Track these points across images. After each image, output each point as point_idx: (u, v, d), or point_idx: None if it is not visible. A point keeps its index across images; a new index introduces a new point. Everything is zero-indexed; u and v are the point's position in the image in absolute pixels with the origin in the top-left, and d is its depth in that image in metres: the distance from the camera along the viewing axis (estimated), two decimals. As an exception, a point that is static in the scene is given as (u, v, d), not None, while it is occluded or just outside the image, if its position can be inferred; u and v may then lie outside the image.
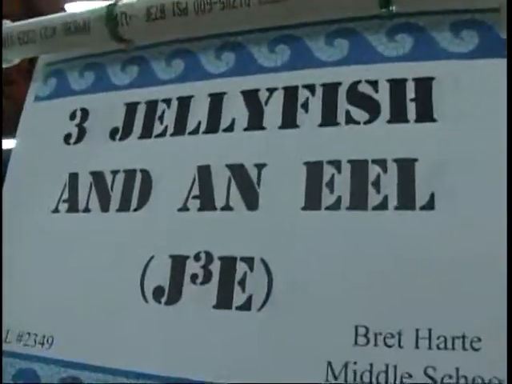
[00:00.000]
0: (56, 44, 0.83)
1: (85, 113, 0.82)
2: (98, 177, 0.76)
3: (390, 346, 0.54)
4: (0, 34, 0.84)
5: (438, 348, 0.54)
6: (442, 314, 0.55)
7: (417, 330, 0.54)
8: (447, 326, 0.54)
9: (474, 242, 0.57)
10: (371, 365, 0.54)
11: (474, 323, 0.54)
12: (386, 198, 0.60)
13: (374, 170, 0.62)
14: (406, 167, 0.62)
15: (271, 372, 0.57)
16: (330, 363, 0.55)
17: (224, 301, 0.62)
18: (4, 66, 0.88)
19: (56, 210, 0.77)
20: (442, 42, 0.67)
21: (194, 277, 0.65)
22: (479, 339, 0.53)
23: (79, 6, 3.12)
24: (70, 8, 3.20)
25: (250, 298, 0.61)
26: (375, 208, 0.60)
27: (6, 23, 0.87)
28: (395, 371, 0.54)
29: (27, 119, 0.87)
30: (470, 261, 0.56)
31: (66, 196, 0.77)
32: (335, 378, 0.54)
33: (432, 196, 0.59)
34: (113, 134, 0.79)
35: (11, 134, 0.90)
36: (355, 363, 0.55)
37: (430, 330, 0.54)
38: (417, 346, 0.54)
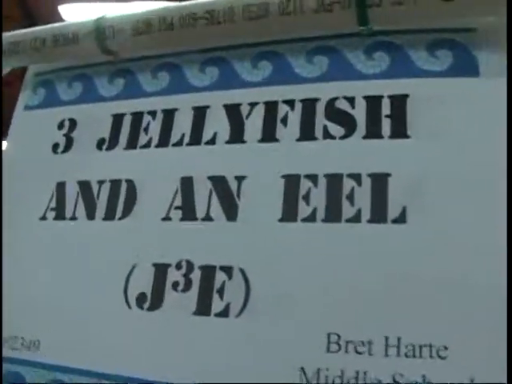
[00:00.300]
0: (45, 55, 0.86)
1: (73, 123, 0.85)
2: (84, 186, 0.79)
3: (360, 353, 0.57)
4: (0, 37, 0.86)
5: (406, 356, 0.57)
6: (410, 323, 0.57)
7: (386, 338, 0.57)
8: (415, 335, 0.57)
9: (444, 255, 0.59)
10: (342, 371, 0.57)
11: (441, 332, 0.56)
12: (359, 210, 0.63)
13: (348, 184, 0.65)
14: (380, 182, 0.64)
15: (247, 375, 0.59)
16: (302, 369, 0.58)
17: (203, 308, 0.65)
18: None
19: (44, 218, 0.80)
20: (417, 61, 0.70)
21: (175, 284, 0.68)
22: (446, 348, 0.56)
23: (72, 8, 3.15)
24: (63, 10, 3.22)
25: (228, 306, 0.64)
26: (348, 220, 0.63)
27: None
28: (365, 378, 0.57)
29: (17, 127, 0.90)
30: (438, 273, 0.59)
31: (53, 204, 0.80)
32: (308, 382, 0.57)
33: (404, 210, 0.62)
34: (100, 144, 0.82)
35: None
36: (327, 369, 0.57)
37: (399, 339, 0.57)
38: (386, 354, 0.57)
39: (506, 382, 0.51)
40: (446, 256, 0.59)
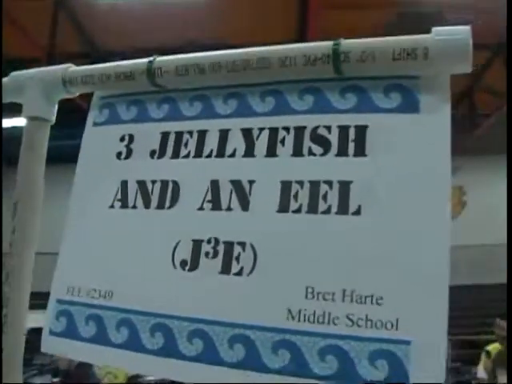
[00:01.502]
0: (110, 86, 1.09)
1: (131, 137, 1.07)
2: (141, 184, 1.02)
3: (326, 300, 0.83)
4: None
5: (356, 302, 0.82)
6: (360, 281, 0.83)
7: (344, 291, 0.83)
8: (363, 289, 0.82)
9: (386, 237, 0.85)
10: (314, 311, 0.84)
11: (379, 288, 0.82)
12: (330, 206, 0.88)
13: (323, 188, 0.89)
14: (345, 186, 0.88)
15: (253, 313, 0.87)
16: (289, 310, 0.85)
17: (226, 269, 0.90)
18: (67, 96, 1.13)
19: (112, 206, 1.03)
20: (376, 100, 0.91)
21: (206, 254, 0.92)
22: (382, 298, 0.81)
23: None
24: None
25: (242, 268, 0.90)
26: (323, 212, 0.88)
27: (71, 67, 1.12)
28: (329, 316, 0.83)
29: (88, 139, 1.13)
30: (381, 249, 0.84)
31: (119, 196, 1.03)
32: (293, 318, 0.85)
33: (359, 206, 0.87)
34: (152, 154, 1.04)
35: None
36: (305, 310, 0.84)
37: (352, 291, 0.82)
38: (343, 301, 0.83)
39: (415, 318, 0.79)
40: (387, 237, 0.84)
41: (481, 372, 4.72)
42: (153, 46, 7.83)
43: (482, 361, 4.75)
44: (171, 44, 7.88)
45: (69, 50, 7.89)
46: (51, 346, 1.02)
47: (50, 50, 7.87)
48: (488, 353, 4.63)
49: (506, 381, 2.41)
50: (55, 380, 4.49)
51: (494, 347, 4.62)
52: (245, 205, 0.94)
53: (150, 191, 1.02)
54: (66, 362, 4.14)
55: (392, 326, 0.80)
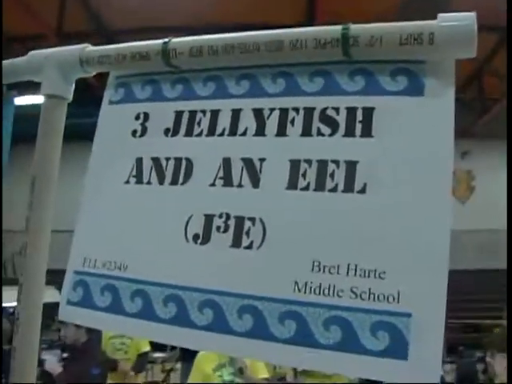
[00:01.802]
0: (125, 66, 1.12)
1: (146, 116, 1.10)
2: (156, 161, 1.06)
3: (332, 273, 0.88)
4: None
5: (360, 276, 0.86)
6: (364, 256, 0.87)
7: (348, 265, 0.87)
8: (367, 263, 0.87)
9: (389, 214, 0.88)
10: (320, 284, 0.88)
11: (382, 263, 0.86)
12: (337, 184, 0.92)
13: (331, 167, 0.92)
14: (351, 166, 0.92)
15: (261, 284, 0.91)
16: (296, 282, 0.89)
17: (236, 243, 0.94)
18: (84, 75, 1.17)
19: (127, 182, 1.07)
20: (383, 83, 0.95)
21: (218, 228, 0.96)
22: (384, 272, 0.85)
23: None
24: None
25: (252, 242, 0.94)
26: (330, 190, 0.92)
27: (88, 46, 1.15)
28: (334, 288, 0.87)
29: (104, 116, 1.16)
30: (384, 225, 0.88)
31: (134, 173, 1.06)
32: (299, 290, 0.89)
33: (365, 185, 0.90)
34: (166, 132, 1.07)
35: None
36: (311, 282, 0.88)
37: (356, 265, 0.87)
38: (347, 274, 0.87)
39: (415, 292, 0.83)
40: (390, 215, 0.88)
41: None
42: (159, 24, 7.85)
43: None
44: (182, 24, 7.88)
45: (76, 28, 7.91)
46: (68, 314, 1.07)
47: (57, 28, 7.89)
48: None
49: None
50: (64, 355, 4.59)
51: None
52: (255, 182, 0.98)
53: (164, 168, 1.05)
54: (72, 339, 4.22)
55: (394, 299, 0.84)
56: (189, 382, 4.05)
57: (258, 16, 7.52)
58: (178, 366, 6.90)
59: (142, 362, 5.30)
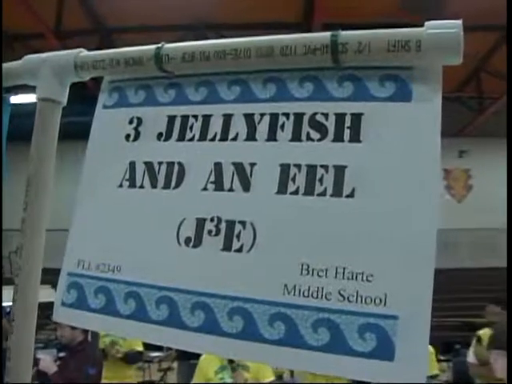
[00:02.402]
0: (119, 71, 1.13)
1: (139, 120, 1.12)
2: (149, 165, 1.07)
3: (320, 276, 0.89)
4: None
5: (348, 279, 0.88)
6: (351, 259, 0.89)
7: (336, 268, 0.89)
8: (354, 267, 0.88)
9: (376, 217, 0.90)
10: (309, 287, 0.90)
11: (370, 266, 0.88)
12: (325, 188, 0.93)
13: (320, 172, 0.94)
14: (340, 171, 0.93)
15: (252, 287, 0.93)
16: (285, 285, 0.91)
17: (227, 246, 0.96)
18: (78, 80, 1.17)
19: (120, 186, 1.08)
20: (371, 89, 0.96)
21: (210, 231, 0.98)
22: (372, 275, 0.87)
23: None
24: None
25: (242, 245, 0.95)
26: (319, 194, 0.93)
27: (83, 51, 1.16)
28: (323, 291, 0.89)
29: (98, 120, 1.17)
30: (371, 228, 0.89)
31: (127, 177, 1.08)
32: (288, 293, 0.91)
33: (353, 189, 0.92)
34: (159, 136, 1.08)
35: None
36: (300, 285, 0.90)
37: (344, 268, 0.88)
38: (335, 277, 0.88)
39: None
40: (378, 219, 0.90)
41: (471, 357, 4.65)
42: (156, 23, 7.85)
43: (473, 346, 4.68)
44: (179, 22, 7.89)
45: (74, 26, 7.91)
46: (63, 316, 1.09)
47: (55, 26, 7.90)
48: (479, 338, 4.54)
49: (502, 360, 2.46)
50: (61, 354, 4.60)
51: (484, 333, 4.44)
52: (246, 186, 0.99)
53: (157, 172, 1.07)
54: (68, 338, 4.24)
55: (381, 301, 0.86)
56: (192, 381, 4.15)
57: (257, 14, 7.53)
58: (175, 365, 6.92)
59: (134, 355, 5.33)
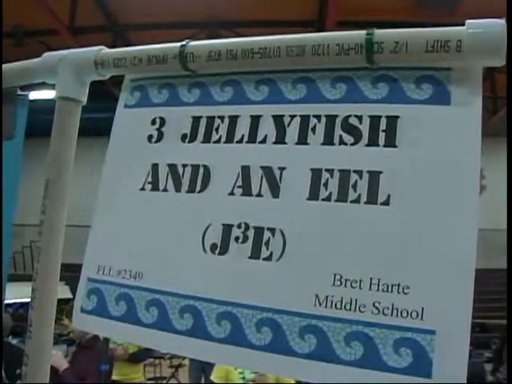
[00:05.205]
0: (141, 69, 1.09)
1: (162, 121, 1.08)
2: (172, 167, 1.03)
3: (354, 288, 0.85)
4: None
5: (383, 291, 0.84)
6: (387, 270, 0.85)
7: (371, 279, 0.85)
8: (390, 278, 0.84)
9: (413, 226, 0.86)
10: (342, 298, 0.86)
11: (406, 277, 0.84)
12: (359, 195, 0.89)
13: (353, 177, 0.90)
14: (374, 176, 0.89)
15: (281, 297, 0.89)
16: (317, 295, 0.87)
17: (255, 254, 0.92)
18: (98, 78, 1.13)
19: (143, 189, 1.05)
20: (407, 91, 0.92)
21: (237, 238, 0.94)
22: (408, 287, 0.83)
23: None
24: None
25: (271, 253, 0.92)
26: (352, 201, 0.89)
27: (104, 49, 1.12)
28: (356, 303, 0.85)
29: (119, 120, 1.14)
30: (408, 237, 0.85)
31: (150, 179, 1.04)
32: (320, 304, 0.87)
33: (389, 196, 0.88)
34: (183, 138, 1.05)
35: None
36: (332, 296, 0.86)
37: (379, 279, 0.85)
38: (370, 289, 0.84)
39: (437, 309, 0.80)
40: (414, 228, 0.86)
41: None
42: (170, 19, 7.83)
43: None
44: (192, 19, 7.86)
45: (88, 22, 7.90)
46: (82, 322, 1.06)
47: (69, 22, 7.89)
48: None
49: None
50: (71, 350, 4.61)
51: None
52: (275, 191, 0.95)
53: (181, 175, 1.03)
54: (79, 334, 4.22)
55: (417, 315, 0.82)
56: (212, 375, 4.28)
57: (270, 12, 7.49)
58: (186, 362, 6.90)
59: (139, 353, 5.31)
